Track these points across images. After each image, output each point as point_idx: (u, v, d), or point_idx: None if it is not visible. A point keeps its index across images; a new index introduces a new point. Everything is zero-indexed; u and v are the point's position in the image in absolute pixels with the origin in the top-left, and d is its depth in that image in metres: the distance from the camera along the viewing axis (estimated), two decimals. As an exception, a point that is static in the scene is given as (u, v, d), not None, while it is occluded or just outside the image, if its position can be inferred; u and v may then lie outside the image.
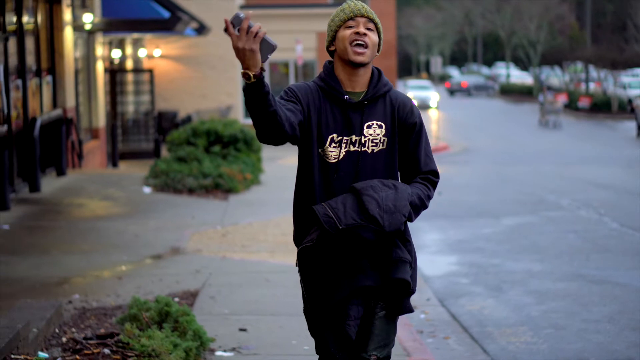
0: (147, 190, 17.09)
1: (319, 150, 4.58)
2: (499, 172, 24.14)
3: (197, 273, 10.36)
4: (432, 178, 4.70)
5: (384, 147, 4.62)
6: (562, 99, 41.23)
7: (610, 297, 9.94)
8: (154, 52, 30.77)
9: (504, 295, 10.14)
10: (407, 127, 4.68)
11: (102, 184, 17.75)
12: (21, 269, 10.59)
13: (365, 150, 4.59)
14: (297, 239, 4.71)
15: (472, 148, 32.63)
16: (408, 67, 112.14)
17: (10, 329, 6.81)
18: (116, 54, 25.92)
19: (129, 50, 28.42)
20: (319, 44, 35.79)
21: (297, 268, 4.70)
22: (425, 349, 7.63)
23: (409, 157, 4.70)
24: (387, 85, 4.68)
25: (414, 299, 9.35)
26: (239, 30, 4.18)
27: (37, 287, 9.63)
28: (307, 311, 4.70)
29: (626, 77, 58.21)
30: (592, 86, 59.46)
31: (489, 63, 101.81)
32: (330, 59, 4.73)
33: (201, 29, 28.21)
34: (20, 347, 6.75)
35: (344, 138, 4.58)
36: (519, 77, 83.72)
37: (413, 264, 4.66)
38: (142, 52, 29.88)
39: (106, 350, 6.40)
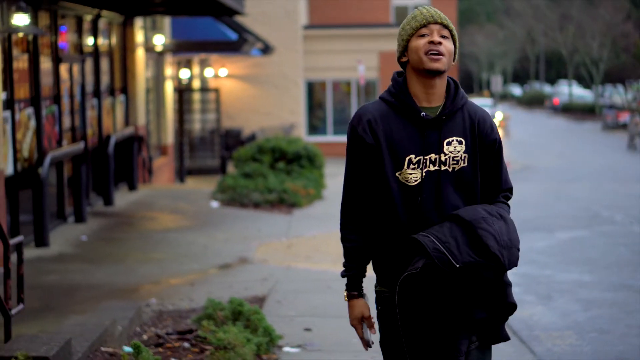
0: (214, 204, 17.87)
1: (397, 174, 4.29)
2: (556, 188, 24.61)
3: (264, 281, 11.07)
4: (510, 195, 4.52)
5: (465, 164, 4.34)
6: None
7: (654, 305, 10.50)
8: (219, 71, 31.65)
9: (553, 303, 10.75)
10: (487, 144, 4.41)
11: (171, 198, 18.57)
12: (100, 276, 11.35)
13: (446, 169, 4.30)
14: (384, 268, 4.37)
15: (532, 165, 33.02)
16: (470, 85, 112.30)
17: (100, 326, 7.58)
18: (184, 73, 26.80)
19: (196, 69, 29.31)
20: (380, 63, 36.42)
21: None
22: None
23: (491, 174, 4.44)
24: (464, 97, 4.41)
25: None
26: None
27: (115, 292, 10.38)
28: (390, 344, 4.38)
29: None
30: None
31: (551, 81, 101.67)
32: (399, 69, 4.47)
33: (266, 49, 29.02)
34: (108, 342, 7.51)
35: (423, 158, 4.28)
36: (581, 95, 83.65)
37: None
38: (208, 72, 30.76)
39: (186, 344, 7.12)
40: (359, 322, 4.32)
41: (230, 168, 23.27)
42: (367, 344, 4.36)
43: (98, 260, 12.29)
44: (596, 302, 10.69)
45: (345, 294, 4.36)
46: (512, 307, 4.33)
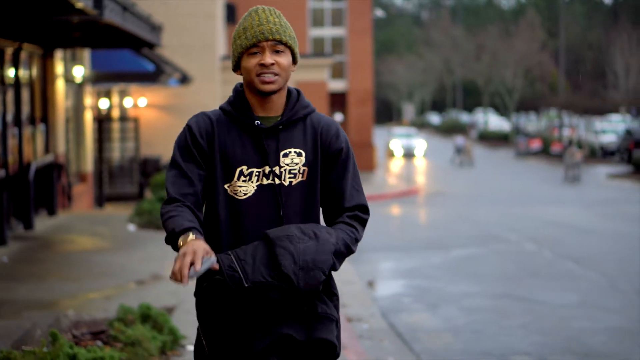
0: (131, 227, 18.71)
1: (226, 186, 3.97)
2: (462, 212, 25.83)
3: (174, 294, 11.97)
4: (360, 215, 4.06)
5: (304, 178, 3.99)
6: (577, 152, 39.47)
7: (528, 310, 11.63)
8: (139, 101, 32.43)
9: (439, 310, 11.82)
10: (331, 154, 4.04)
11: (90, 222, 19.36)
12: (21, 293, 12.14)
13: (282, 182, 3.96)
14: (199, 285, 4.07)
15: (444, 191, 34.29)
16: (389, 114, 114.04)
17: (21, 328, 8.45)
18: (104, 103, 27.57)
19: (115, 99, 30.09)
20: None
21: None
22: (357, 344, 9.29)
23: (333, 189, 4.04)
24: (308, 107, 4.07)
25: (359, 314, 11.08)
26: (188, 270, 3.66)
27: (36, 306, 11.18)
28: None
29: (601, 123, 60.15)
30: (567, 132, 61.25)
31: (469, 109, 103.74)
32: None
33: (184, 79, 29.88)
34: (29, 343, 8.37)
35: (256, 170, 3.96)
36: (497, 123, 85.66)
37: (339, 324, 4.10)
38: (128, 101, 31.54)
39: (99, 342, 8.02)
40: (194, 254, 3.68)
41: (148, 194, 24.11)
42: (183, 278, 3.64)
43: (19, 279, 13.06)
44: (477, 309, 11.80)
45: (181, 241, 3.79)
46: (326, 344, 3.98)
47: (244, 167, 3.96)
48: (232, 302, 3.92)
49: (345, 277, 14.01)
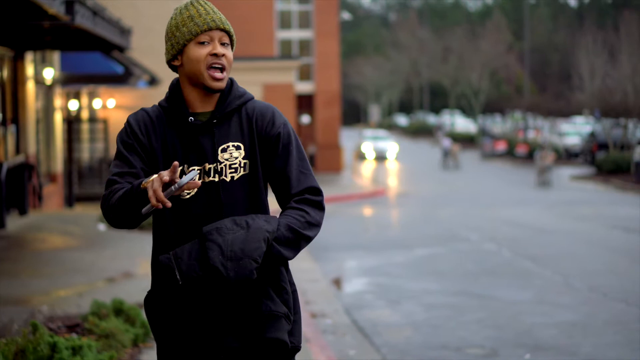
0: (102, 227, 19.09)
1: None
2: (427, 213, 26.35)
3: (144, 291, 12.36)
4: (310, 197, 3.89)
5: (246, 171, 3.89)
6: (548, 156, 39.22)
7: (484, 307, 12.15)
8: (108, 102, 32.75)
9: (400, 306, 12.31)
10: (269, 141, 3.91)
11: (61, 222, 19.72)
12: (-5, 290, 12.54)
13: (223, 178, 3.86)
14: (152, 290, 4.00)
15: (411, 192, 34.83)
16: (357, 115, 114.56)
17: (2, 326, 8.86)
18: (73, 105, 27.89)
19: (85, 101, 30.42)
20: (265, 95, 37.84)
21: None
22: (320, 338, 9.76)
23: (278, 177, 3.92)
24: (243, 96, 3.96)
25: (323, 310, 11.55)
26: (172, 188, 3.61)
27: (10, 301, 11.56)
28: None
29: (566, 125, 60.93)
30: (532, 134, 61.89)
31: (436, 110, 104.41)
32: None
33: (153, 81, 30.23)
34: (6, 336, 8.77)
35: (196, 168, 3.85)
36: (464, 125, 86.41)
37: (293, 316, 3.92)
38: (97, 103, 31.85)
39: (74, 335, 8.43)
40: (159, 176, 3.63)
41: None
42: (162, 201, 3.59)
43: (-8, 277, 13.45)
44: (436, 305, 12.30)
45: (142, 184, 3.70)
46: (277, 343, 3.84)
47: (185, 166, 3.87)
48: (177, 306, 3.84)
49: (310, 275, 14.51)
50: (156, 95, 33.61)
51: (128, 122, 3.94)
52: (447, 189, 36.39)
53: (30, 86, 21.23)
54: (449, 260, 16.68)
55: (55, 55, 23.50)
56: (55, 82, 23.04)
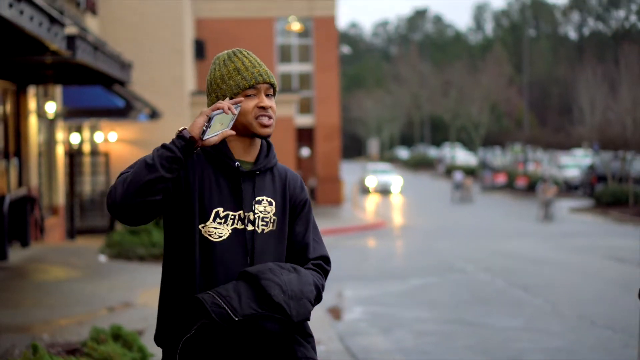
0: (102, 258, 19.40)
1: (200, 226, 3.87)
2: (425, 245, 26.63)
3: (144, 320, 12.69)
4: (324, 265, 4.08)
5: (274, 228, 3.97)
6: (550, 189, 38.62)
7: (474, 333, 12.46)
8: (109, 135, 33.07)
9: (392, 334, 12.62)
10: (296, 205, 4.06)
11: (62, 253, 20.03)
12: (-3, 318, 12.84)
13: (255, 229, 3.92)
14: (166, 334, 3.95)
15: (410, 225, 35.11)
16: (358, 148, 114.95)
17: (4, 351, 9.16)
18: (75, 138, 28.25)
19: (86, 134, 30.77)
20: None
21: None
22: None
23: (298, 242, 4.05)
24: (275, 158, 4.07)
25: (317, 337, 11.83)
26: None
27: (12, 329, 11.87)
28: None
29: (566, 158, 61.21)
30: (532, 167, 62.07)
31: (437, 143, 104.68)
32: None
33: (154, 115, 30.60)
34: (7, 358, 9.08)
35: (231, 213, 3.89)
36: (464, 158, 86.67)
37: None
38: (98, 136, 32.19)
39: (73, 359, 8.73)
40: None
41: (119, 226, 24.80)
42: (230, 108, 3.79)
43: (-5, 306, 13.75)
44: (428, 333, 12.62)
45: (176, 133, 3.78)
46: None
47: (220, 209, 3.89)
48: (223, 346, 3.84)
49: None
50: (157, 129, 34.00)
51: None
52: (448, 221, 36.64)
53: (33, 120, 21.60)
54: (443, 290, 16.99)
55: (58, 89, 23.87)
56: (57, 115, 23.42)
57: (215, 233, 3.85)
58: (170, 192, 3.83)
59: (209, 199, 3.87)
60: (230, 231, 3.87)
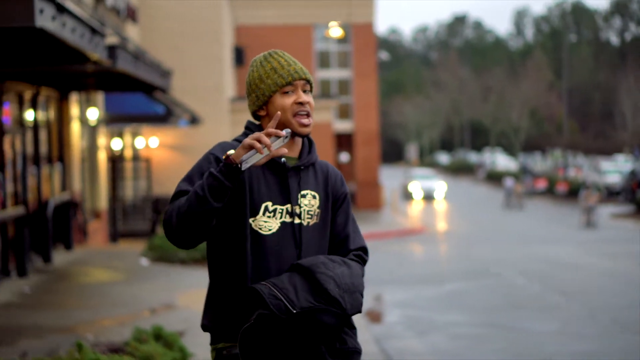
0: (144, 262, 19.76)
1: (250, 220, 4.01)
2: (463, 250, 26.78)
3: (185, 321, 12.99)
4: (363, 256, 4.22)
5: (318, 220, 4.14)
6: (593, 196, 37.83)
7: (507, 337, 12.69)
8: (150, 140, 33.45)
9: (426, 337, 12.86)
10: (337, 198, 4.23)
11: (104, 257, 20.41)
12: (42, 319, 13.14)
13: (301, 222, 4.08)
14: (218, 324, 4.09)
15: (450, 230, 35.25)
16: (398, 153, 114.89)
17: (50, 350, 9.50)
18: (117, 144, 28.65)
19: (128, 140, 31.18)
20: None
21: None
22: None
23: (339, 233, 4.22)
24: (317, 154, 4.22)
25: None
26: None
27: (57, 330, 12.20)
28: None
29: (606, 164, 60.95)
30: (573, 172, 61.81)
31: (477, 148, 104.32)
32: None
33: (194, 120, 30.94)
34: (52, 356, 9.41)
35: (279, 207, 4.04)
36: (505, 163, 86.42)
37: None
38: (140, 142, 32.58)
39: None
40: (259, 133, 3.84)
41: (160, 230, 25.18)
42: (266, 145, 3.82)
43: (40, 307, 14.09)
44: (461, 336, 12.86)
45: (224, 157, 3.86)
46: (354, 353, 4.12)
47: (269, 203, 4.05)
48: (279, 337, 3.94)
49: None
50: (197, 134, 34.37)
51: (213, 153, 4.06)
52: (489, 227, 36.67)
53: (75, 126, 22.00)
54: (478, 294, 17.19)
55: (99, 96, 24.26)
56: (99, 122, 23.82)
57: (265, 226, 4.01)
58: (232, 194, 4.01)
59: (258, 194, 4.02)
60: (279, 224, 4.03)
